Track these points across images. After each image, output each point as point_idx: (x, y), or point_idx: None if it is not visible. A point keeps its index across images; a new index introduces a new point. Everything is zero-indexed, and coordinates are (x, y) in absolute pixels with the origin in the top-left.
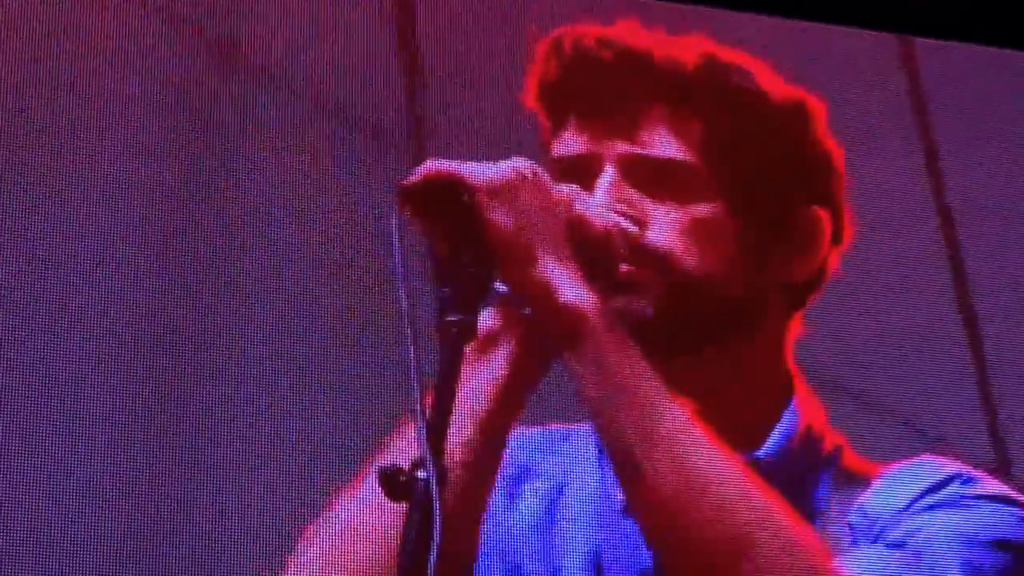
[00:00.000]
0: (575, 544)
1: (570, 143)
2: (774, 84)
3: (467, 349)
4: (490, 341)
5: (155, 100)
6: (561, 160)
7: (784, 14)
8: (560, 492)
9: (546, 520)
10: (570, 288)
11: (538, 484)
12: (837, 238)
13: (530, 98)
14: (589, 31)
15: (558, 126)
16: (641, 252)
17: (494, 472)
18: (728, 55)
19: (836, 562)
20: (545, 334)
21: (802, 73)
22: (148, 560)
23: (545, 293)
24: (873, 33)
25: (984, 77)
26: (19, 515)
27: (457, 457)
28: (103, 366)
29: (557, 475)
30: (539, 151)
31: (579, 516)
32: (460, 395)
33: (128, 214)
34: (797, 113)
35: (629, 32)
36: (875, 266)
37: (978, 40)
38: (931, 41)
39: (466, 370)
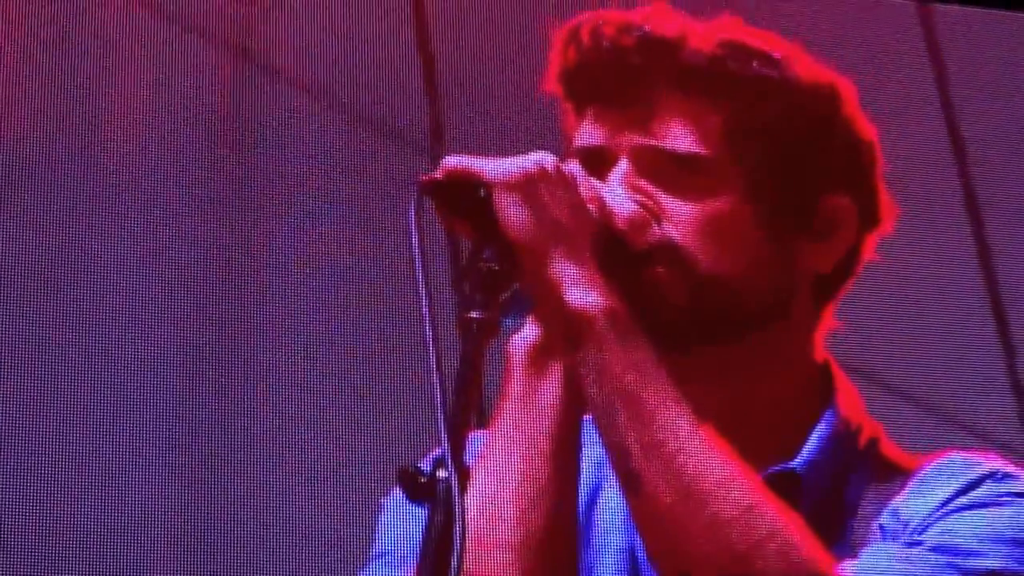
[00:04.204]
0: (610, 542)
1: (587, 134)
2: (802, 69)
3: (521, 361)
4: (543, 351)
5: (176, 107)
6: (579, 151)
7: None
8: (597, 491)
9: (585, 518)
10: (578, 289)
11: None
12: (869, 224)
13: (551, 85)
14: (609, 18)
15: (579, 115)
16: (657, 247)
17: (576, 471)
18: (755, 41)
19: None
20: (551, 335)
21: (823, 48)
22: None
23: (553, 293)
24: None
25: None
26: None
27: (539, 469)
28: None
29: (594, 471)
30: (562, 141)
31: (615, 513)
32: (525, 409)
33: (152, 223)
34: (823, 100)
35: (651, 18)
36: (903, 254)
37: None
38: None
39: (525, 383)
